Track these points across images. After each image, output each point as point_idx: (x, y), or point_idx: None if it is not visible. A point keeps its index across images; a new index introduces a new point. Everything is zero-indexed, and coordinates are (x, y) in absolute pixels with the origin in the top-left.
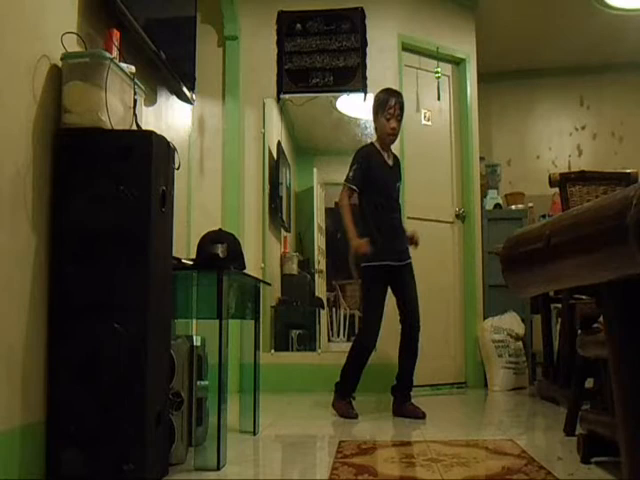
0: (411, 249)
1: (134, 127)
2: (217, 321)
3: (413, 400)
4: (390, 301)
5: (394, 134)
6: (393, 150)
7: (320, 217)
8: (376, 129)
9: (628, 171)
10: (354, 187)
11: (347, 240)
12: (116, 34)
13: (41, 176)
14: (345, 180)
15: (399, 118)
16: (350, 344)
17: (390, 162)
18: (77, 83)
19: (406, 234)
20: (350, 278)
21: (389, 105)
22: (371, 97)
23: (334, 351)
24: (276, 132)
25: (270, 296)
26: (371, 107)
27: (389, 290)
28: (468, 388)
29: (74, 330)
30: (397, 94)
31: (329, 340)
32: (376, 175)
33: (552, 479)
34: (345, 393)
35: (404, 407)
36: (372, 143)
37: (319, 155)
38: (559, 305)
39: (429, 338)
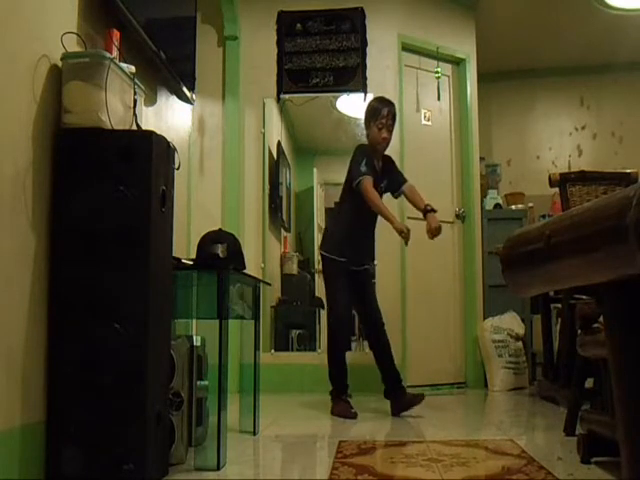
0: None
1: (134, 127)
2: (217, 321)
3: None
4: (394, 295)
5: (385, 143)
6: (390, 149)
7: (320, 217)
8: (368, 136)
9: (628, 171)
10: (371, 176)
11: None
12: (116, 34)
13: (41, 176)
14: (358, 176)
15: (390, 128)
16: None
17: (378, 168)
18: (77, 83)
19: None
20: None
21: (382, 115)
22: (371, 97)
23: None
24: (276, 132)
25: (270, 296)
26: (364, 114)
27: None
28: (468, 388)
29: (74, 330)
30: (390, 104)
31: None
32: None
33: (552, 479)
34: (339, 392)
35: (403, 401)
36: (367, 145)
37: (319, 155)
38: (559, 305)
39: (429, 338)
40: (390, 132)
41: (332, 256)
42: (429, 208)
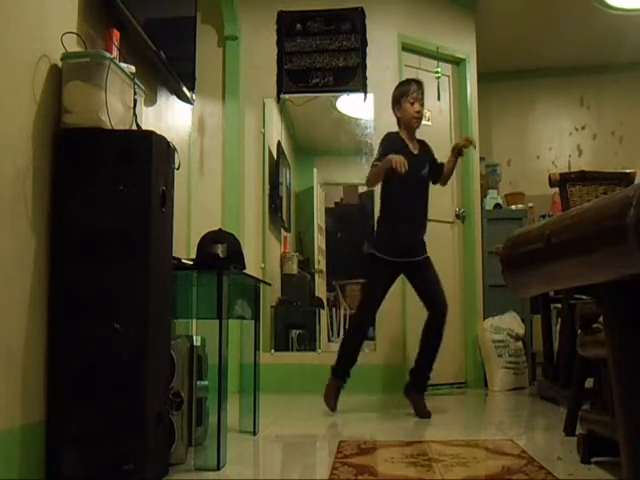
0: None
1: (134, 127)
2: (217, 321)
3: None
4: (395, 295)
5: (419, 117)
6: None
7: (320, 217)
8: (399, 120)
9: (628, 171)
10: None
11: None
12: (116, 34)
13: (41, 176)
14: (374, 161)
15: (422, 102)
16: None
17: (416, 151)
18: (77, 83)
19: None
20: (350, 278)
21: (412, 90)
22: (371, 97)
23: (334, 351)
24: (276, 132)
25: (270, 296)
26: (392, 100)
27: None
28: (468, 388)
29: (74, 330)
30: (417, 81)
31: (329, 340)
32: None
33: (552, 479)
34: (338, 373)
35: (416, 398)
36: (398, 132)
37: (319, 155)
38: (559, 305)
39: None
40: (422, 105)
41: (378, 254)
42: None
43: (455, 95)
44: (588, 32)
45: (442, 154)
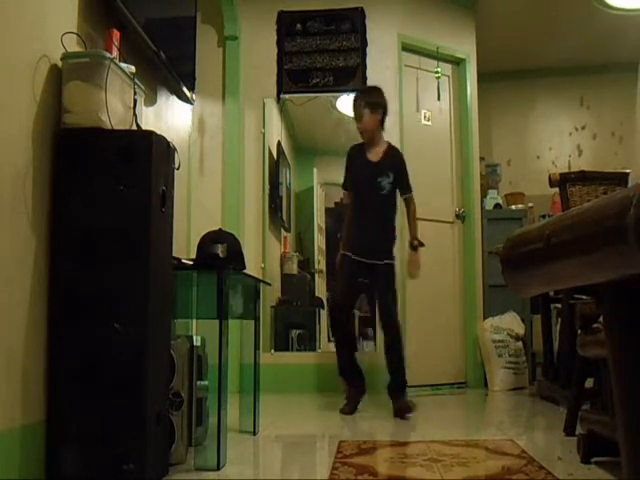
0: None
1: (134, 127)
2: (217, 321)
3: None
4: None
5: (364, 131)
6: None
7: (320, 217)
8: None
9: (628, 171)
10: (345, 190)
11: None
12: (116, 34)
13: (41, 176)
14: (342, 187)
15: (359, 116)
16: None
17: (375, 158)
18: (77, 83)
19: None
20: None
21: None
22: None
23: (334, 351)
24: (276, 132)
25: (270, 296)
26: (385, 108)
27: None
28: (468, 388)
29: (74, 330)
30: (360, 92)
31: (329, 340)
32: (356, 172)
33: (552, 479)
34: (346, 379)
35: (396, 407)
36: (362, 143)
37: (319, 155)
38: (559, 305)
39: (429, 338)
40: (359, 119)
41: (343, 252)
42: (414, 244)
43: (455, 95)
44: (588, 32)
45: (442, 154)
